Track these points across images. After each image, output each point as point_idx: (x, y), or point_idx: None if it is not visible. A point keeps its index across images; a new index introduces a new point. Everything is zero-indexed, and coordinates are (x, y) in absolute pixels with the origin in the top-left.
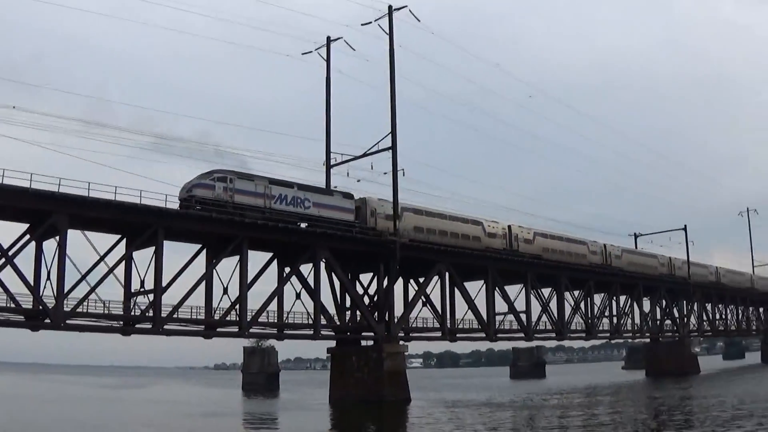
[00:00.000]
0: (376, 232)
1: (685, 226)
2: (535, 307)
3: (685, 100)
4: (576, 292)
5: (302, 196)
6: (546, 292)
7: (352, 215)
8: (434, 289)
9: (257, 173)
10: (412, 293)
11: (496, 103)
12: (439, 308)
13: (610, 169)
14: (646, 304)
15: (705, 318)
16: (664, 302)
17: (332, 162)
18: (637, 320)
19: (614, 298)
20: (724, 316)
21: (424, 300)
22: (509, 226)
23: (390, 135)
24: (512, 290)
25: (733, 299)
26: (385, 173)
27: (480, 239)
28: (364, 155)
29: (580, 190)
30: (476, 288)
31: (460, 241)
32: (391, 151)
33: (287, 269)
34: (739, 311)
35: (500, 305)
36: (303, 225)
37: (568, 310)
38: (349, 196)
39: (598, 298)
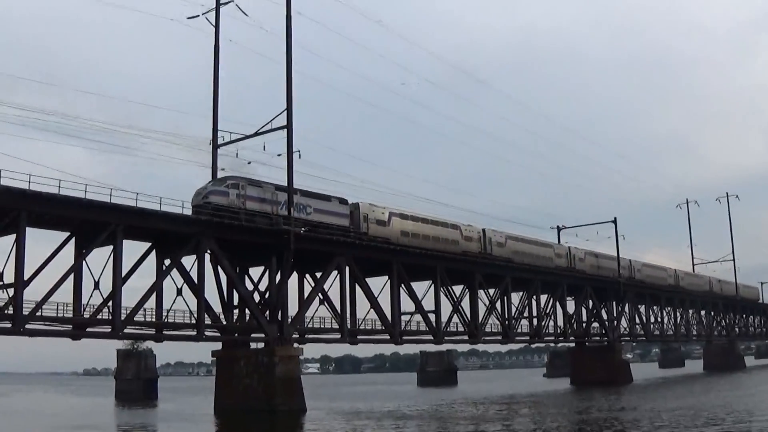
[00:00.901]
0: (276, 225)
1: (615, 218)
2: (447, 307)
3: (618, 82)
4: (491, 291)
5: (304, 202)
6: (458, 290)
7: (347, 220)
8: (333, 286)
9: (264, 179)
10: (308, 290)
11: (410, 83)
12: (338, 307)
13: (534, 156)
14: (570, 304)
15: (638, 321)
16: (590, 303)
17: (220, 141)
18: (560, 322)
19: (534, 297)
20: (660, 319)
21: (322, 297)
22: (483, 230)
23: (285, 112)
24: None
25: (669, 301)
26: (279, 155)
27: (458, 243)
28: (256, 134)
29: (500, 178)
30: (381, 284)
31: (440, 244)
32: (286, 130)
33: (167, 261)
34: (678, 314)
35: (407, 304)
36: (302, 230)
37: (482, 310)
38: (345, 201)
39: (516, 298)
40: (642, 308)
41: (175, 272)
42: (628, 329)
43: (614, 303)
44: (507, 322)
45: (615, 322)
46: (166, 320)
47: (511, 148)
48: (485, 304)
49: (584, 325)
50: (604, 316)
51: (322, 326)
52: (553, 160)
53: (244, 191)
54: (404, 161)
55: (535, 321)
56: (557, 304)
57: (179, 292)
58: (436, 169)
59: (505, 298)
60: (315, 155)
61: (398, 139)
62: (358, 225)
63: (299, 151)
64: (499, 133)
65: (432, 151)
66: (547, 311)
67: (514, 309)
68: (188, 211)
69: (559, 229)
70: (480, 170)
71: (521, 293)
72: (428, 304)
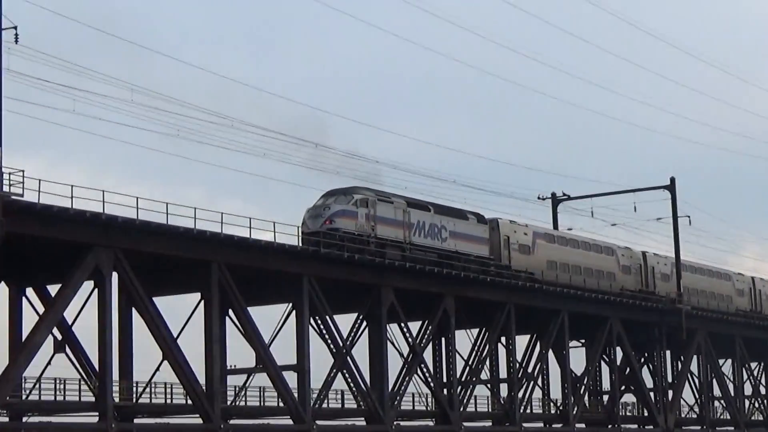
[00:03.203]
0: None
1: (672, 181)
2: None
3: None
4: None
5: (439, 223)
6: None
7: (487, 247)
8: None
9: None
10: (32, 321)
11: None
12: (94, 357)
13: (504, 59)
14: (577, 354)
15: (719, 391)
16: (619, 352)
17: None
18: (558, 391)
19: (505, 341)
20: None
21: (61, 338)
22: (644, 254)
23: None
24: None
25: None
26: None
27: (614, 276)
28: None
29: (437, 97)
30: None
31: (593, 280)
32: None
33: None
34: None
35: (240, 354)
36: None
37: (395, 366)
38: (482, 219)
39: (464, 338)
40: (728, 365)
41: None
42: (696, 408)
43: (667, 353)
44: (450, 391)
45: (670, 392)
46: None
47: (487, 49)
48: (398, 350)
49: (604, 398)
50: (647, 381)
51: (60, 398)
52: (570, 68)
53: (374, 210)
54: (256, 55)
55: (504, 389)
56: (549, 353)
57: None
58: (319, 73)
59: (443, 340)
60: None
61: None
62: (498, 252)
63: (16, 29)
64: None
65: (317, 38)
66: (527, 368)
67: (461, 364)
68: None
69: (554, 201)
70: (421, 90)
71: (480, 331)
72: (282, 354)
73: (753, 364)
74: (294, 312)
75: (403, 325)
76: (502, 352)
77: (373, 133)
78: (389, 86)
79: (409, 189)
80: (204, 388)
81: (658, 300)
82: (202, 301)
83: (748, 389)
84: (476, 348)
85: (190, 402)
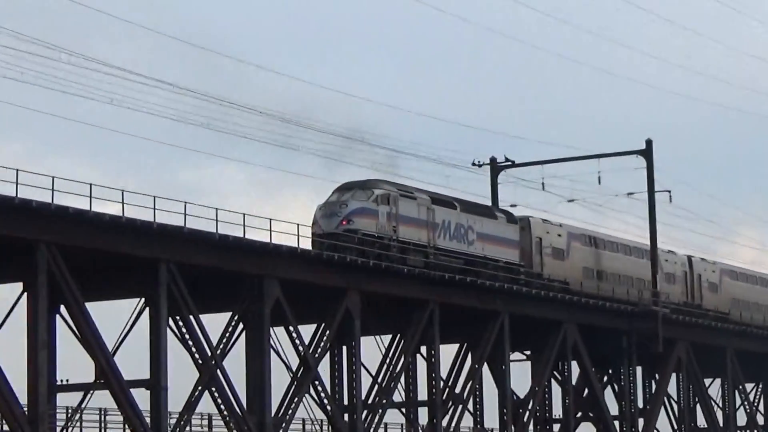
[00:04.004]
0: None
1: (649, 143)
2: None
3: None
4: None
5: (465, 223)
6: None
7: (517, 251)
8: None
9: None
10: None
11: None
12: None
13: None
14: (520, 370)
15: (705, 421)
16: (575, 367)
17: None
18: (494, 422)
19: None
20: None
21: None
22: (689, 259)
23: None
24: None
25: None
26: None
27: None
28: None
29: (345, 37)
30: None
31: (633, 290)
32: None
33: None
34: None
35: None
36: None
37: None
38: (513, 219)
39: (372, 347)
40: (716, 387)
41: None
42: None
43: (638, 371)
44: (353, 416)
45: (640, 421)
46: None
47: None
48: (284, 362)
49: (554, 427)
50: (611, 407)
51: None
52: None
53: (395, 208)
54: None
55: (423, 414)
56: (483, 368)
57: None
58: None
59: (344, 349)
60: None
61: None
62: (529, 257)
63: None
64: None
65: None
66: (454, 387)
67: (367, 381)
68: None
69: (494, 168)
70: (324, 28)
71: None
72: (131, 365)
73: (748, 386)
74: (147, 310)
75: (291, 328)
76: (421, 365)
77: (262, 74)
78: (289, 24)
79: (303, 148)
80: (25, 409)
81: (628, 302)
82: (26, 294)
83: (741, 418)
84: (388, 360)
85: (6, 428)
